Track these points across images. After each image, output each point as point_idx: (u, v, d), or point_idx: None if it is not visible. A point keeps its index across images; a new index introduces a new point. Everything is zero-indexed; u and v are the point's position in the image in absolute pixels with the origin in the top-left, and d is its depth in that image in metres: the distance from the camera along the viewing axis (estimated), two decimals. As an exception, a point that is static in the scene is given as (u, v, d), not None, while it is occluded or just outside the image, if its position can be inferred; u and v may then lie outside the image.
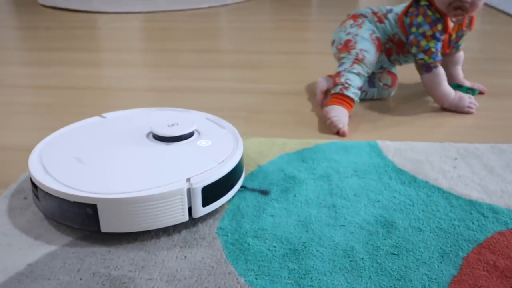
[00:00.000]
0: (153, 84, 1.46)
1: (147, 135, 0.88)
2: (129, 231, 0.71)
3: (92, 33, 2.20)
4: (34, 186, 0.75)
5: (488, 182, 0.87)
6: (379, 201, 0.82)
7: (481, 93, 1.33)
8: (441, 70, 1.18)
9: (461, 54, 1.34)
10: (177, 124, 0.87)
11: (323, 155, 0.97)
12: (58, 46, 1.95)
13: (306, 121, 1.16)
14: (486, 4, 2.78)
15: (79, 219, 0.71)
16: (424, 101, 1.28)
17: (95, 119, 0.97)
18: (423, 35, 1.15)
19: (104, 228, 0.71)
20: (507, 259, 0.68)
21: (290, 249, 0.70)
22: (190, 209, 0.74)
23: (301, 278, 0.65)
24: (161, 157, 0.80)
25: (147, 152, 0.82)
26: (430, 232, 0.74)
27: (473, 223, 0.76)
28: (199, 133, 0.89)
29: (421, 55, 1.16)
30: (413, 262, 0.68)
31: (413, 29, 1.17)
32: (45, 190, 0.72)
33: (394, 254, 0.69)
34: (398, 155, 0.97)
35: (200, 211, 0.75)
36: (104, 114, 0.98)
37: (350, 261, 0.68)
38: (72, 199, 0.70)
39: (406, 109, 1.23)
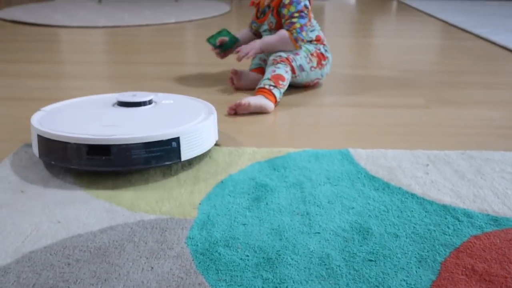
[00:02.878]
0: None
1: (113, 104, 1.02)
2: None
3: (53, 46, 2.14)
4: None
5: (460, 187, 0.87)
6: (353, 207, 0.80)
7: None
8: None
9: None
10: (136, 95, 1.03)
11: (294, 163, 0.95)
12: (16, 58, 1.88)
13: (276, 130, 1.14)
14: (446, 23, 2.87)
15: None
16: (392, 110, 1.29)
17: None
18: None
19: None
20: (485, 263, 0.66)
21: (263, 258, 0.67)
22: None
23: (276, 287, 0.61)
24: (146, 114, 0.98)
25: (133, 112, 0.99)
26: (406, 238, 0.72)
27: (448, 227, 0.74)
28: (155, 102, 1.04)
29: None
30: (390, 268, 0.65)
31: None
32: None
33: (371, 260, 0.67)
34: (371, 162, 0.95)
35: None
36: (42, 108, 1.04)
37: (327, 268, 0.65)
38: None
39: (374, 118, 1.23)
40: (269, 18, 1.43)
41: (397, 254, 0.68)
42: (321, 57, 1.43)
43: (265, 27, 1.46)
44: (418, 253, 0.68)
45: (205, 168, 0.93)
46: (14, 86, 1.50)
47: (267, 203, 0.81)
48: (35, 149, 0.92)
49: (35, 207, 0.79)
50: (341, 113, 1.27)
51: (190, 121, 0.94)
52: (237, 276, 0.63)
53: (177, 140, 0.89)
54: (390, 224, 0.75)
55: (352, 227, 0.74)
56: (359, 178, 0.89)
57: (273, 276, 0.63)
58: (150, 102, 1.03)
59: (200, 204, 0.80)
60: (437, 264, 0.66)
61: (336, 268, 0.65)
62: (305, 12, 1.38)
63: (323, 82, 1.50)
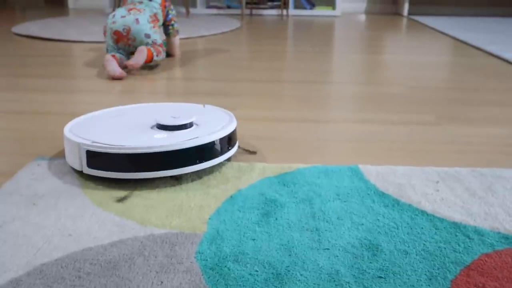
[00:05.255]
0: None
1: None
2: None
3: (66, 60, 2.17)
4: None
5: (471, 204, 0.86)
6: (363, 224, 0.80)
7: None
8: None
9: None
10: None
11: (304, 179, 0.95)
12: (30, 72, 1.91)
13: (285, 147, 1.15)
14: (457, 39, 2.87)
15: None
16: (402, 127, 1.29)
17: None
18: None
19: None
20: (496, 281, 0.66)
21: (272, 273, 0.67)
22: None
23: (285, 303, 0.61)
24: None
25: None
26: (416, 255, 0.72)
27: (459, 245, 0.74)
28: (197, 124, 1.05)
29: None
30: (400, 285, 0.65)
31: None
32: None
33: (381, 277, 0.67)
34: (380, 179, 0.95)
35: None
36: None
37: (336, 285, 0.65)
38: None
39: (384, 134, 1.23)
40: None
41: (407, 271, 0.68)
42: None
43: None
44: (428, 271, 0.68)
45: (215, 183, 0.93)
46: (27, 100, 1.52)
47: (276, 219, 0.81)
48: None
49: (47, 220, 0.79)
50: (350, 129, 1.28)
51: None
52: (246, 291, 0.63)
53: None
54: (400, 241, 0.75)
55: (361, 244, 0.74)
56: (368, 194, 0.89)
57: (282, 292, 0.63)
58: (191, 125, 1.02)
59: (209, 218, 0.81)
60: (447, 282, 0.66)
61: (346, 284, 0.65)
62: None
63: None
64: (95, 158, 0.92)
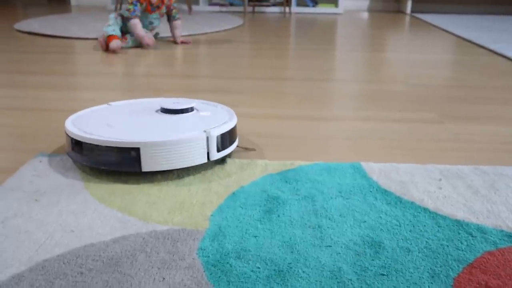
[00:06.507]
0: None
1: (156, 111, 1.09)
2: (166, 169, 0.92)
3: (68, 57, 2.17)
4: (78, 144, 0.94)
5: (473, 202, 0.86)
6: (365, 221, 0.79)
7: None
8: (136, 20, 2.35)
9: (176, 23, 2.53)
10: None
11: (306, 176, 0.95)
12: (32, 69, 1.91)
13: (287, 144, 1.14)
14: (460, 37, 2.86)
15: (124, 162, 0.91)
16: (404, 125, 1.28)
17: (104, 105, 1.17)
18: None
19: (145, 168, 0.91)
20: (499, 279, 0.65)
21: (274, 270, 0.67)
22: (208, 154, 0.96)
23: (287, 300, 0.61)
24: (175, 121, 1.03)
25: (162, 119, 1.04)
26: (419, 252, 0.71)
27: (461, 243, 0.74)
28: (198, 109, 1.11)
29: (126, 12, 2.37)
30: (403, 283, 0.65)
31: None
32: (94, 143, 0.91)
33: (383, 274, 0.66)
34: (383, 176, 0.95)
35: (215, 155, 0.97)
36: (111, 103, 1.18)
37: (338, 282, 0.65)
38: (119, 145, 0.90)
39: (386, 132, 1.22)
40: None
41: (409, 269, 0.68)
42: None
43: (155, 15, 2.46)
44: (430, 268, 0.68)
45: (217, 180, 0.93)
46: (29, 97, 1.52)
47: (278, 216, 0.81)
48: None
49: (49, 216, 0.79)
50: (353, 126, 1.27)
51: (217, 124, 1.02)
52: (248, 288, 0.63)
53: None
54: (402, 239, 0.75)
55: (364, 241, 0.74)
56: (371, 192, 0.89)
57: (284, 289, 0.63)
58: (192, 109, 1.09)
59: (211, 215, 0.81)
60: (450, 280, 0.65)
61: (348, 282, 0.65)
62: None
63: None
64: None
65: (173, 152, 0.92)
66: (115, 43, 2.26)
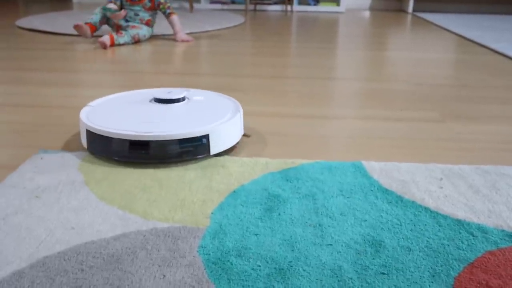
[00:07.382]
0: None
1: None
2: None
3: (69, 54, 2.17)
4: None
5: (474, 202, 0.86)
6: (366, 220, 0.79)
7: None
8: (175, 17, 2.54)
9: (172, 19, 2.52)
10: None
11: (307, 175, 0.95)
12: (33, 66, 1.91)
13: (289, 142, 1.14)
14: (462, 37, 2.86)
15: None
16: (406, 124, 1.28)
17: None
18: None
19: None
20: (500, 279, 0.65)
21: (275, 268, 0.67)
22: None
23: (288, 298, 0.61)
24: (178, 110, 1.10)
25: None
26: (420, 252, 0.71)
27: (462, 242, 0.74)
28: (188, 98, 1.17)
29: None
30: (403, 282, 0.65)
31: None
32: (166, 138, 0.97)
33: (383, 273, 0.66)
34: (384, 175, 0.95)
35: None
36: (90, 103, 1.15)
37: (339, 281, 0.65)
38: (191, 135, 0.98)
39: (388, 131, 1.22)
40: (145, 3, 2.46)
41: (410, 268, 0.68)
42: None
43: (138, 7, 2.44)
44: (431, 268, 0.68)
45: (218, 178, 0.93)
46: (30, 93, 1.52)
47: (279, 214, 0.81)
48: (84, 140, 1.04)
49: (50, 213, 0.79)
50: (354, 125, 1.27)
51: (219, 119, 1.05)
52: (248, 286, 0.63)
53: (206, 137, 1.00)
54: (403, 238, 0.75)
55: (364, 240, 0.74)
56: (372, 190, 0.89)
57: (284, 287, 0.63)
58: (183, 99, 1.15)
59: (212, 213, 0.81)
60: (450, 279, 0.65)
61: (348, 280, 0.65)
62: None
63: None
64: None
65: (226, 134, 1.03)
66: (104, 38, 2.31)
